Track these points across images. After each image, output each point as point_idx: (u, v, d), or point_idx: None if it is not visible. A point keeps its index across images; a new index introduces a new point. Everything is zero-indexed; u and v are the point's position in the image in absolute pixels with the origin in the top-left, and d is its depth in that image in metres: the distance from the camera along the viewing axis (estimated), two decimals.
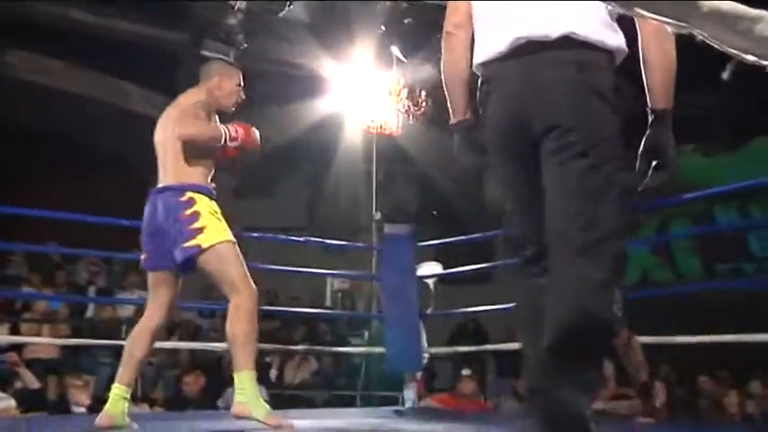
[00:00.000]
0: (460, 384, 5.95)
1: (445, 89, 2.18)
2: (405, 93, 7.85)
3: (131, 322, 7.43)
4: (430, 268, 5.96)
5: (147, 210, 3.19)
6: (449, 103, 2.20)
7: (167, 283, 3.20)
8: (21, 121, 9.28)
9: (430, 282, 5.90)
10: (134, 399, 6.24)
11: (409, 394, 5.52)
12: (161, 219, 3.10)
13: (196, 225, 3.03)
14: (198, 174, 3.17)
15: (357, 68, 7.67)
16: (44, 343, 6.47)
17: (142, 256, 3.23)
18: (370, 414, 4.57)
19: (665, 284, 9.07)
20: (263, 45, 9.22)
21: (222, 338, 7.40)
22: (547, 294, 1.90)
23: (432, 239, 6.23)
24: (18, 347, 6.27)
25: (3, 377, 5.63)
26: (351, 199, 10.98)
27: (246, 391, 2.96)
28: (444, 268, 6.07)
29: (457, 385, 6.05)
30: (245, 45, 8.75)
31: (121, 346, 6.94)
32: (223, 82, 3.33)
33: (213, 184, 3.24)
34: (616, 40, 1.97)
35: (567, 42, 1.92)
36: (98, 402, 6.10)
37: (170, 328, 8.15)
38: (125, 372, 3.19)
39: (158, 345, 6.58)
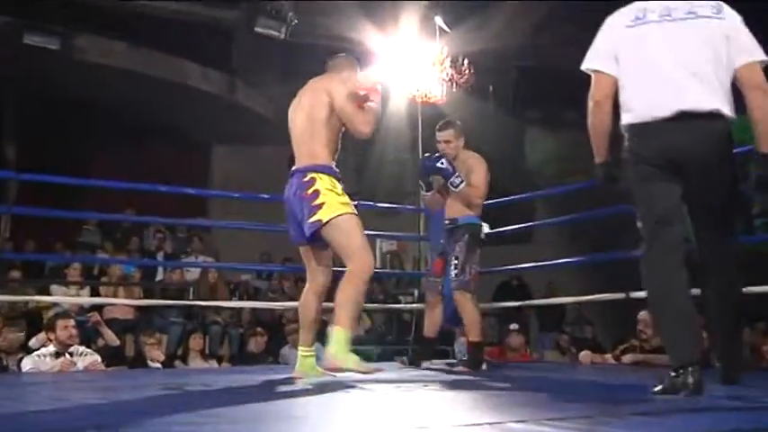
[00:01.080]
0: (508, 338, 5.97)
1: (593, 138, 2.79)
2: (448, 62, 7.80)
3: (197, 284, 7.69)
4: None
5: (286, 191, 3.42)
6: (594, 149, 2.81)
7: (311, 252, 3.45)
8: (90, 100, 9.48)
9: None
10: (202, 355, 6.48)
11: (460, 348, 5.59)
12: (293, 199, 3.34)
13: (317, 202, 3.24)
14: (324, 155, 3.35)
15: (402, 40, 7.64)
16: (121, 304, 6.66)
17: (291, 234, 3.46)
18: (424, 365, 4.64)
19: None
20: (312, 21, 9.26)
21: (280, 299, 7.56)
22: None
23: None
24: (98, 309, 6.47)
25: (88, 335, 5.82)
26: (398, 164, 11.03)
27: (338, 345, 3.11)
28: (490, 228, 6.06)
29: (504, 339, 6.08)
30: (296, 21, 8.80)
31: (190, 306, 7.21)
32: (351, 75, 3.54)
33: (335, 164, 3.42)
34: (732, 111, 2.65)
35: (715, 116, 2.60)
36: (170, 358, 6.33)
37: (231, 290, 8.37)
38: (303, 334, 3.47)
39: (223, 304, 6.86)
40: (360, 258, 3.21)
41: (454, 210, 4.40)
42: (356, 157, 10.84)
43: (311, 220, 3.24)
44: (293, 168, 3.40)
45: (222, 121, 10.46)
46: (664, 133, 2.60)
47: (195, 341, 6.45)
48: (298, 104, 3.48)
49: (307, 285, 3.52)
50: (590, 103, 2.76)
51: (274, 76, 10.35)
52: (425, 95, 7.87)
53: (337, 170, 3.40)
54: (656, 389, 2.47)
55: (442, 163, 4.27)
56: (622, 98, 2.72)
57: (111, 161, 10.33)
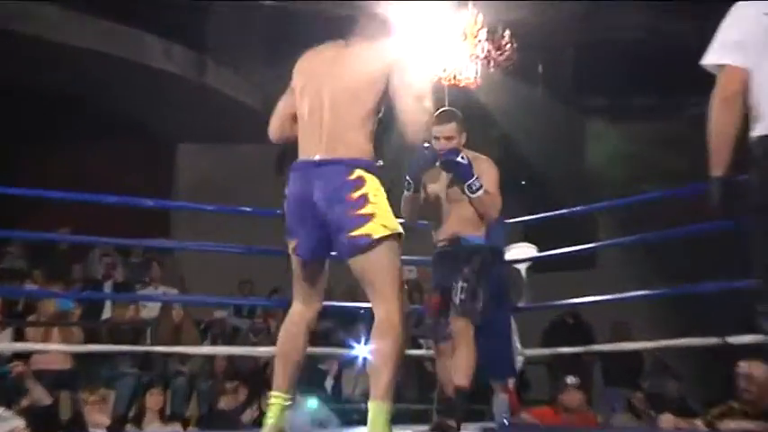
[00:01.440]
0: (564, 395, 5.91)
1: (715, 145, 2.80)
2: (484, 34, 7.76)
3: (157, 323, 7.64)
4: (521, 251, 5.92)
5: (295, 187, 3.21)
6: (713, 158, 2.81)
7: (322, 273, 3.31)
8: (15, 82, 9.45)
9: (522, 267, 5.86)
10: (162, 417, 6.41)
11: (500, 407, 5.51)
12: (319, 198, 3.12)
13: (365, 210, 3.08)
14: (369, 151, 3.19)
15: (426, 6, 7.60)
16: (54, 351, 6.59)
17: (292, 243, 3.25)
18: None
19: None
20: None
21: (264, 342, 7.50)
22: None
23: (520, 215, 6.20)
24: (23, 357, 6.41)
25: (8, 392, 5.76)
26: None
27: (383, 427, 2.99)
28: (539, 251, 6.02)
29: (559, 396, 6.01)
30: None
31: (147, 353, 7.15)
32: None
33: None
34: None
35: None
36: (119, 421, 6.27)
37: (201, 331, 8.31)
38: (281, 376, 3.26)
39: (190, 350, 6.80)
40: (398, 303, 3.09)
41: (454, 225, 4.38)
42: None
43: (356, 233, 3.07)
44: (322, 157, 3.17)
45: (190, 111, 10.47)
46: None
47: (153, 398, 6.43)
48: (330, 73, 3.25)
49: (297, 312, 3.34)
50: (714, 102, 2.78)
51: (259, 55, 10.35)
52: (454, 77, 7.83)
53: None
54: None
55: (463, 158, 4.22)
56: (753, 103, 2.74)
57: (44, 164, 10.31)
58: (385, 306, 3.08)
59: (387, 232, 3.08)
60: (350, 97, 3.16)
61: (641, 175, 9.61)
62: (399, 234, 3.15)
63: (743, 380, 4.76)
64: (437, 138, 4.34)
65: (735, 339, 4.28)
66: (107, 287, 8.56)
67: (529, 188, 10.62)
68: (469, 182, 4.20)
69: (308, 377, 7.20)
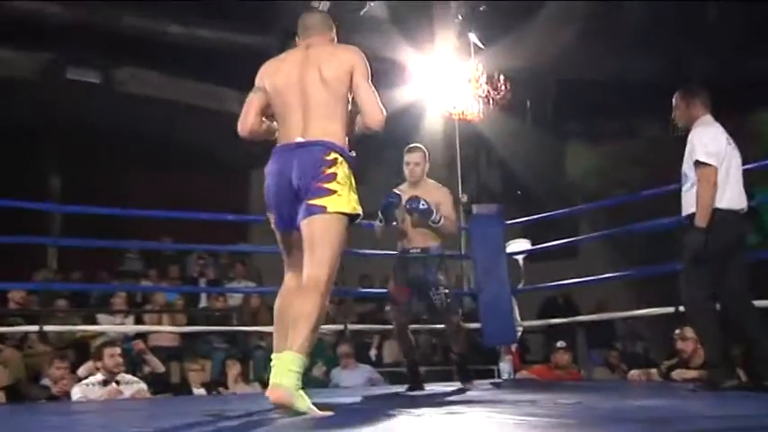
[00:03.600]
0: (555, 356, 5.90)
1: (703, 210, 3.67)
2: (484, 79, 7.79)
3: (240, 309, 7.74)
4: (519, 245, 5.95)
5: (274, 166, 2.91)
6: (702, 216, 3.62)
7: (296, 238, 2.91)
8: (130, 130, 9.66)
9: (519, 258, 5.88)
10: (245, 379, 6.49)
11: (505, 367, 5.55)
12: (295, 175, 2.82)
13: (329, 185, 2.78)
14: (343, 137, 2.90)
15: (438, 58, 7.66)
16: (165, 331, 6.73)
17: (272, 217, 2.96)
18: (469, 386, 4.59)
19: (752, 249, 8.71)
20: (347, 40, 9.31)
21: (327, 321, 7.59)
22: None
23: (517, 217, 6.23)
24: (143, 336, 6.56)
25: (133, 363, 5.90)
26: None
27: (291, 377, 2.59)
28: (532, 244, 6.03)
29: (551, 357, 6.01)
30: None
31: (234, 333, 7.26)
32: (335, 39, 3.19)
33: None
34: None
35: None
36: (214, 384, 6.36)
37: None
38: (281, 339, 2.83)
39: (266, 329, 6.87)
40: (329, 271, 2.74)
41: (421, 240, 4.50)
42: (391, 176, 10.87)
43: (314, 201, 2.77)
44: (302, 139, 2.85)
45: (260, 144, 10.53)
46: None
47: (232, 366, 6.35)
48: (301, 72, 2.94)
49: (287, 283, 3.01)
50: (707, 185, 3.62)
51: None
52: (462, 113, 7.85)
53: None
54: None
55: (424, 204, 4.36)
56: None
57: (151, 189, 10.48)
58: (316, 270, 2.74)
59: (341, 209, 2.78)
60: (321, 89, 2.88)
61: (610, 184, 9.58)
62: (353, 218, 2.84)
63: (679, 341, 4.81)
64: (408, 163, 4.54)
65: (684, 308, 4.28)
66: (202, 283, 8.68)
67: (523, 196, 10.59)
68: (432, 218, 4.37)
69: (357, 349, 7.29)
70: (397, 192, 4.44)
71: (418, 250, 4.50)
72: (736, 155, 3.80)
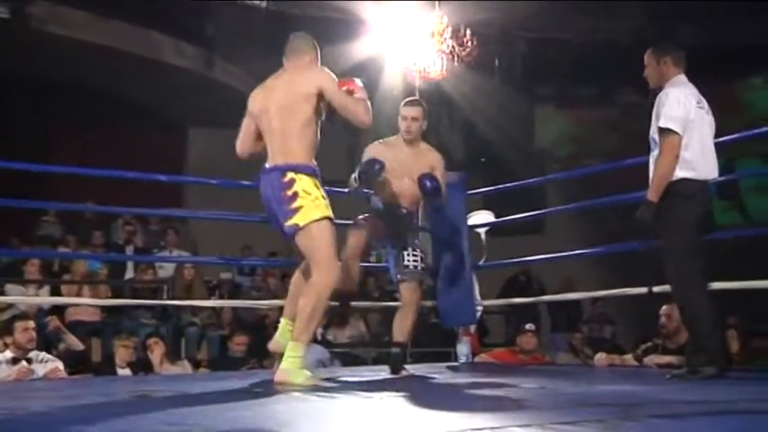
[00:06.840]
0: (522, 339, 5.87)
1: (658, 181, 3.60)
2: (448, 33, 7.75)
3: (172, 282, 7.64)
4: (481, 217, 5.91)
5: (261, 189, 3.57)
6: (654, 189, 3.62)
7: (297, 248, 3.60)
8: (49, 76, 9.39)
9: (481, 231, 5.86)
10: (178, 357, 6.43)
11: (463, 349, 5.55)
12: (270, 198, 3.50)
13: (294, 205, 3.41)
14: (303, 154, 3.48)
15: (398, 9, 7.58)
16: (85, 305, 6.61)
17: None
18: (423, 370, 4.60)
19: (732, 228, 8.90)
20: None
21: (264, 297, 7.51)
22: None
23: (480, 187, 6.22)
24: (60, 310, 6.42)
25: (48, 340, 5.78)
26: None
27: (292, 360, 3.36)
28: (496, 217, 6.02)
29: (517, 339, 6.01)
30: None
31: (164, 307, 7.16)
32: (314, 60, 3.65)
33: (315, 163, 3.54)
34: None
35: None
36: (139, 363, 6.28)
37: (210, 288, 8.32)
38: (290, 309, 3.69)
39: (200, 303, 6.82)
40: (326, 271, 3.40)
41: (408, 201, 4.37)
42: (348, 139, 10.79)
43: (288, 222, 3.44)
44: (268, 165, 3.53)
45: (199, 100, 10.39)
46: None
47: (157, 346, 6.15)
48: (270, 98, 3.55)
49: (298, 270, 3.73)
50: (668, 154, 3.60)
51: (257, 51, 10.28)
52: (424, 70, 7.82)
53: (317, 169, 3.51)
54: None
55: (437, 187, 4.21)
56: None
57: (74, 145, 10.23)
58: (315, 275, 3.42)
59: (312, 218, 3.39)
60: (289, 113, 3.47)
61: (581, 152, 9.70)
62: (327, 217, 3.43)
63: (664, 318, 4.89)
64: (404, 117, 4.33)
65: (658, 289, 4.34)
66: (129, 251, 8.53)
67: (487, 164, 10.64)
68: (439, 202, 4.39)
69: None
70: (381, 159, 4.15)
71: (405, 211, 4.37)
72: (708, 119, 3.74)
